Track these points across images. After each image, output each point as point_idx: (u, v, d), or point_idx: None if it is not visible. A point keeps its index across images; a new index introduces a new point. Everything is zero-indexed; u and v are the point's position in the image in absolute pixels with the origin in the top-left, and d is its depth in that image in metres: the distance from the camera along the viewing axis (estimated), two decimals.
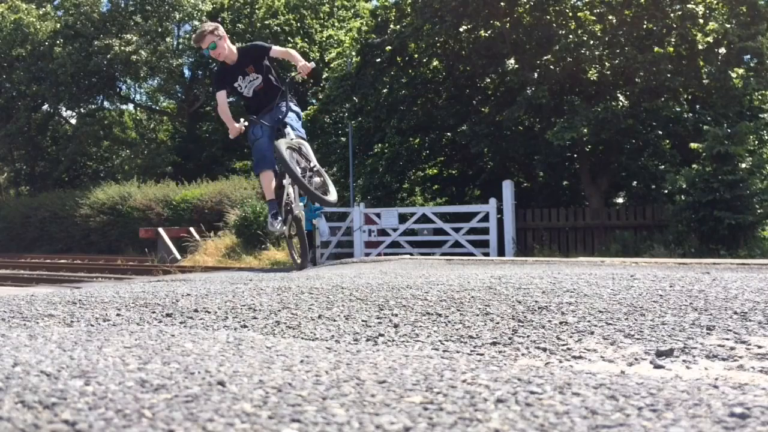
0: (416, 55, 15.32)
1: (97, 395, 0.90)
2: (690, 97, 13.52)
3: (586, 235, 12.74)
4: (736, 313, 1.91)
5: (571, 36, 12.83)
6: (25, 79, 24.72)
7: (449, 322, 1.86)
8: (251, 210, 16.40)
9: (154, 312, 2.09)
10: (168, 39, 25.62)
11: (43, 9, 25.85)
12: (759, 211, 10.51)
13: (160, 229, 17.92)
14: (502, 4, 13.54)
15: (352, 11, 23.69)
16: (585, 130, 11.79)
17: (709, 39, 12.46)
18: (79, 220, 21.29)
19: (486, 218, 12.60)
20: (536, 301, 2.12)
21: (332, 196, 4.78)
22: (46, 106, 27.30)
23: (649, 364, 1.41)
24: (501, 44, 14.02)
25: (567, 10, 13.27)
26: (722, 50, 12.45)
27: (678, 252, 10.27)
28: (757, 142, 11.96)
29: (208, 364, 1.12)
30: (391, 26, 15.24)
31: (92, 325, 1.87)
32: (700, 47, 12.43)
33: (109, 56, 23.32)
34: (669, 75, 12.06)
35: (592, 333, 1.71)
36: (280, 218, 4.75)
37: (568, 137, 11.65)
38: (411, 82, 15.55)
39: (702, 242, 10.43)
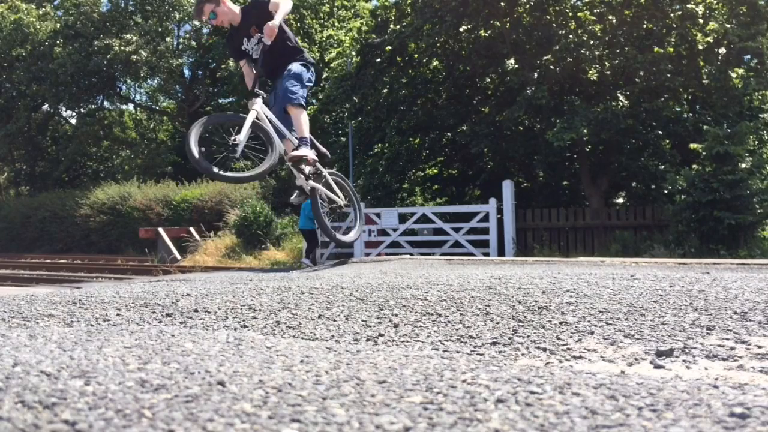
0: (416, 55, 15.33)
1: (97, 395, 0.90)
2: (690, 97, 13.52)
3: (586, 235, 12.74)
4: (736, 313, 1.91)
5: (571, 36, 12.83)
6: (25, 79, 24.71)
7: (449, 322, 1.86)
8: (251, 210, 16.40)
9: (154, 312, 2.09)
10: (168, 39, 25.60)
11: (43, 9, 25.84)
12: (759, 211, 10.51)
13: (160, 229, 17.92)
14: (502, 4, 13.54)
15: (352, 11, 23.68)
16: (585, 131, 11.79)
17: (709, 39, 12.47)
18: (79, 220, 21.29)
19: (486, 218, 12.60)
20: (536, 301, 2.12)
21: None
22: (46, 106, 27.30)
23: (649, 364, 1.41)
24: (501, 44, 14.02)
25: (567, 10, 13.27)
26: (722, 50, 12.45)
27: (678, 252, 10.27)
28: (757, 142, 11.97)
29: (208, 364, 1.12)
30: (391, 26, 15.24)
31: (92, 325, 1.87)
32: (700, 47, 12.43)
33: (109, 56, 23.32)
34: (669, 75, 12.06)
35: (592, 333, 1.71)
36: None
37: (567, 138, 11.65)
38: (411, 82, 15.56)
39: (702, 242, 10.43)
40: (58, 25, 24.72)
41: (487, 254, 12.23)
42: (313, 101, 19.21)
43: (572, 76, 13.10)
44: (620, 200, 15.07)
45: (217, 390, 0.95)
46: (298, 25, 22.94)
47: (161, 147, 27.12)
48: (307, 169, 4.67)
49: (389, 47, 15.00)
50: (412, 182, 17.34)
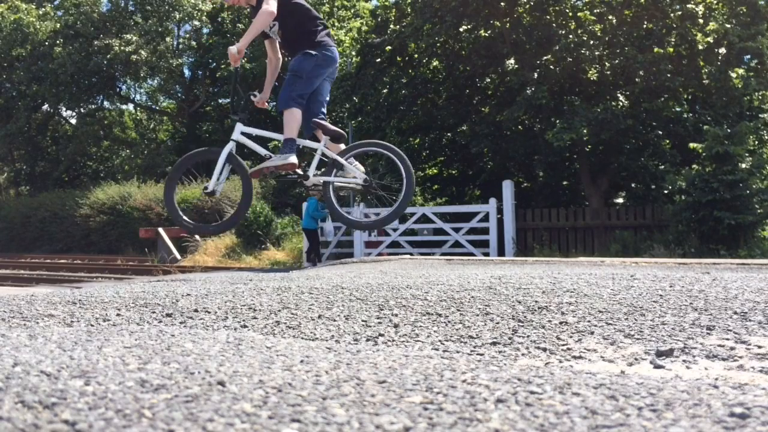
0: (416, 55, 15.33)
1: (97, 395, 0.90)
2: (690, 97, 13.52)
3: (586, 235, 12.74)
4: (736, 313, 1.91)
5: (571, 36, 12.83)
6: (25, 79, 24.71)
7: (449, 322, 1.86)
8: (251, 210, 16.40)
9: (154, 312, 2.09)
10: (168, 39, 25.60)
11: (43, 9, 25.84)
12: (759, 211, 10.52)
13: (160, 229, 17.91)
14: (502, 4, 13.54)
15: (352, 11, 23.69)
16: (585, 131, 11.79)
17: (709, 39, 12.47)
18: (79, 220, 21.29)
19: (486, 218, 12.60)
20: (536, 301, 2.12)
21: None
22: (46, 106, 27.30)
23: (649, 364, 1.41)
24: (501, 44, 14.02)
25: (567, 10, 13.27)
26: (722, 50, 12.45)
27: (678, 252, 10.27)
28: (757, 142, 11.97)
29: (208, 364, 1.12)
30: (391, 26, 15.25)
31: (92, 325, 1.87)
32: (700, 47, 12.43)
33: (109, 56, 23.32)
34: (669, 75, 12.07)
35: (592, 333, 1.71)
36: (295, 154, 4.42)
37: (567, 138, 11.65)
38: (411, 82, 15.56)
39: (702, 242, 10.43)
40: (58, 25, 24.71)
41: (487, 254, 12.23)
42: None
43: (572, 76, 13.10)
44: (620, 200, 15.08)
45: (217, 390, 0.95)
46: None
47: (161, 147, 27.12)
48: (299, 171, 4.49)
49: (389, 47, 15.00)
50: None
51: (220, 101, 26.69)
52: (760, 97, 13.09)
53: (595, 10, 13.08)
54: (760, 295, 2.21)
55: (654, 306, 2.04)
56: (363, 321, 1.89)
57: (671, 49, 12.36)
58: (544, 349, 1.56)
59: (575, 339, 1.65)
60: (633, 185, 14.41)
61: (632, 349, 1.54)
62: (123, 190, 21.37)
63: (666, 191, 12.57)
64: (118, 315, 2.06)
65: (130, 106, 29.79)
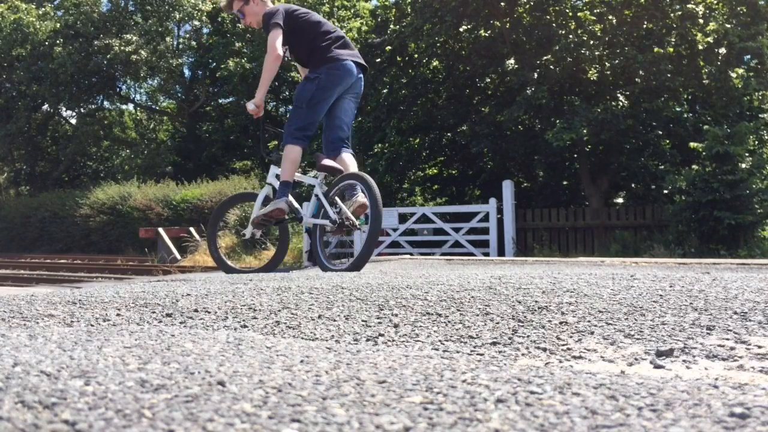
0: (416, 55, 15.33)
1: (97, 395, 0.90)
2: (690, 97, 13.53)
3: (586, 235, 12.74)
4: (736, 313, 1.91)
5: (571, 36, 12.83)
6: (25, 79, 24.71)
7: (449, 322, 1.86)
8: (251, 210, 16.38)
9: (154, 312, 2.09)
10: (168, 39, 25.60)
11: (43, 9, 25.84)
12: (759, 211, 10.52)
13: (160, 229, 17.91)
14: (502, 4, 13.54)
15: (352, 11, 23.68)
16: (585, 131, 11.79)
17: (709, 39, 12.47)
18: (79, 220, 21.29)
19: (486, 218, 12.60)
20: (536, 301, 2.12)
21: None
22: (46, 106, 27.30)
23: (649, 364, 1.41)
24: (501, 44, 14.02)
25: (567, 10, 13.27)
26: (722, 50, 12.45)
27: (678, 252, 10.27)
28: (757, 142, 11.97)
29: (208, 364, 1.12)
30: (391, 26, 15.25)
31: (92, 325, 1.87)
32: (700, 47, 12.44)
33: (109, 56, 23.32)
34: (669, 75, 12.07)
35: (592, 333, 1.71)
36: (288, 199, 4.19)
37: (567, 138, 11.65)
38: (411, 82, 15.56)
39: (702, 242, 10.43)
40: (58, 25, 24.71)
41: (487, 254, 12.23)
42: None
43: (572, 76, 13.10)
44: (620, 200, 15.08)
45: (217, 390, 0.95)
46: None
47: (161, 147, 27.12)
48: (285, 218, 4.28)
49: (389, 47, 15.01)
50: (412, 182, 17.33)
51: (220, 101, 26.71)
52: (760, 97, 13.09)
53: (595, 10, 13.08)
54: (760, 295, 2.21)
55: (654, 306, 2.04)
56: (363, 321, 1.89)
57: (671, 49, 12.36)
58: (544, 349, 1.56)
59: (575, 339, 1.65)
60: (633, 185, 14.41)
61: (632, 349, 1.54)
62: (123, 190, 21.37)
63: (666, 191, 12.56)
64: (118, 315, 2.06)
65: (130, 106, 29.80)
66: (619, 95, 13.28)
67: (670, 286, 2.48)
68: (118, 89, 27.56)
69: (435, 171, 17.30)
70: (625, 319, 1.87)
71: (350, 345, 1.53)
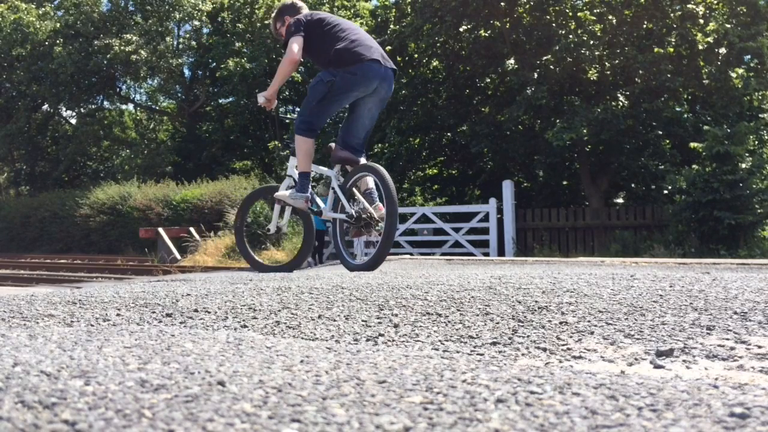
0: (416, 55, 15.33)
1: (97, 395, 0.90)
2: (690, 97, 13.53)
3: (586, 235, 12.74)
4: (736, 313, 1.91)
5: (571, 36, 12.84)
6: (25, 79, 24.72)
7: (449, 322, 1.86)
8: (251, 210, 16.38)
9: (154, 312, 2.09)
10: (168, 39, 25.60)
11: (43, 9, 25.84)
12: (759, 211, 10.52)
13: (160, 229, 17.92)
14: (502, 4, 13.54)
15: (352, 11, 23.68)
16: (585, 131, 11.80)
17: (709, 39, 12.47)
18: (79, 220, 21.29)
19: (486, 218, 12.60)
20: (536, 301, 2.12)
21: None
22: (46, 106, 27.31)
23: (649, 364, 1.41)
24: (501, 44, 14.02)
25: (567, 10, 13.28)
26: (722, 50, 12.46)
27: (678, 252, 10.28)
28: (757, 142, 11.97)
29: (208, 364, 1.12)
30: (391, 26, 15.25)
31: (92, 325, 1.87)
32: (700, 47, 12.44)
33: (109, 56, 23.32)
34: (669, 75, 12.07)
35: (592, 333, 1.71)
36: (309, 193, 4.08)
37: (567, 138, 11.66)
38: (411, 82, 15.56)
39: (702, 242, 10.43)
40: (58, 25, 24.72)
41: (487, 254, 12.24)
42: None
43: (572, 76, 13.10)
44: (620, 200, 15.08)
45: (217, 390, 0.95)
46: None
47: (161, 147, 27.12)
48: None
49: (389, 47, 15.00)
50: (412, 182, 17.34)
51: (220, 101, 26.71)
52: (760, 97, 13.10)
53: (595, 10, 13.09)
54: (760, 295, 2.21)
55: (654, 306, 2.04)
56: (363, 321, 1.89)
57: (671, 49, 12.37)
58: (544, 349, 1.56)
59: (575, 339, 1.65)
60: (633, 185, 14.42)
61: (632, 349, 1.54)
62: (123, 190, 21.37)
63: (666, 191, 12.57)
64: (118, 315, 2.06)
65: (130, 106, 29.80)
66: (619, 95, 13.28)
67: (670, 286, 2.48)
68: (118, 89, 27.57)
69: (435, 171, 17.30)
70: (625, 319, 1.87)
71: (350, 345, 1.53)
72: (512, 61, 13.72)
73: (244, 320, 1.94)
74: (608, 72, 13.04)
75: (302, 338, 1.69)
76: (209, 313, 2.06)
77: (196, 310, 2.09)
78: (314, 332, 1.77)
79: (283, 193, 4.20)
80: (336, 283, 2.68)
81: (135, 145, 28.14)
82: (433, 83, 15.80)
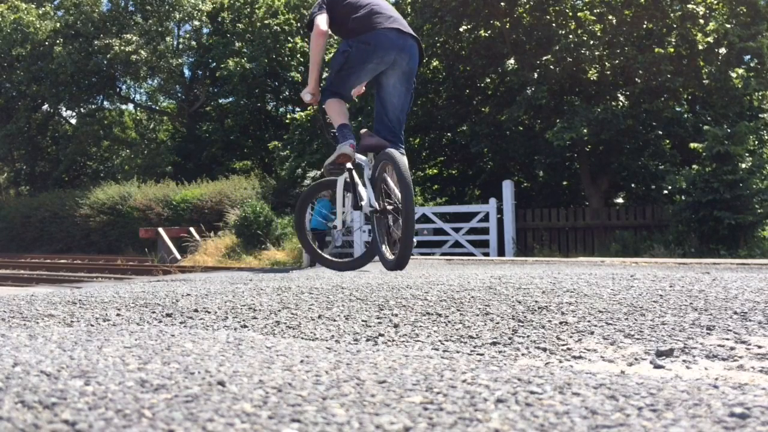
0: None
1: (97, 395, 0.90)
2: (690, 97, 13.53)
3: (586, 235, 12.74)
4: (736, 313, 1.91)
5: (571, 36, 12.84)
6: (25, 79, 24.72)
7: (449, 322, 1.86)
8: (251, 210, 16.40)
9: (154, 312, 2.09)
10: (168, 39, 25.62)
11: (43, 9, 25.84)
12: (759, 211, 10.52)
13: (160, 229, 17.92)
14: (502, 4, 13.54)
15: None
16: (585, 131, 11.79)
17: (710, 39, 12.47)
18: (79, 220, 21.30)
19: (486, 218, 12.60)
20: (536, 301, 2.12)
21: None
22: (46, 106, 27.31)
23: (649, 364, 1.41)
24: (501, 44, 14.02)
25: (567, 10, 13.27)
26: (722, 50, 12.45)
27: (678, 252, 10.27)
28: (757, 142, 11.97)
29: (208, 364, 1.12)
30: None
31: (92, 325, 1.87)
32: (700, 47, 12.44)
33: (109, 56, 23.33)
34: (669, 75, 12.07)
35: (592, 333, 1.71)
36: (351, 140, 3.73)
37: (567, 138, 11.66)
38: None
39: (702, 242, 10.43)
40: (58, 25, 24.72)
41: (487, 254, 12.24)
42: None
43: (572, 76, 13.10)
44: (620, 200, 15.08)
45: (217, 390, 0.95)
46: (299, 24, 22.94)
47: (161, 147, 27.13)
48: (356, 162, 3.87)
49: None
50: (412, 182, 17.32)
51: (220, 101, 26.71)
52: (760, 97, 13.09)
53: (595, 10, 13.09)
54: (760, 295, 2.21)
55: (654, 306, 2.03)
56: (363, 321, 1.89)
57: (671, 49, 12.36)
58: (544, 349, 1.56)
59: (575, 339, 1.65)
60: (633, 185, 14.41)
61: (632, 349, 1.54)
62: (123, 190, 21.39)
63: (666, 191, 12.57)
64: (118, 315, 2.06)
65: (130, 106, 29.80)
66: (619, 95, 13.28)
67: (670, 286, 2.48)
68: (118, 89, 27.57)
69: (435, 171, 17.30)
70: (625, 319, 1.87)
71: (350, 345, 1.53)
72: (512, 61, 13.72)
73: (244, 320, 1.94)
74: (608, 72, 13.04)
75: (302, 338, 1.69)
76: (209, 313, 2.06)
77: (196, 310, 2.09)
78: (314, 332, 1.77)
79: (328, 159, 3.89)
80: (336, 283, 2.68)
81: (135, 145, 28.15)
82: (433, 83, 15.79)
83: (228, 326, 1.85)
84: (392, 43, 3.69)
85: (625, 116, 12.15)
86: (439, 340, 1.66)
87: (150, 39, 23.91)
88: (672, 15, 12.64)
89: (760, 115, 12.93)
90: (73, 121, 28.31)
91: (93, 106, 27.09)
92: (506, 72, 13.90)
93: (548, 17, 13.42)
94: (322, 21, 3.81)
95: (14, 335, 1.46)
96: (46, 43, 24.64)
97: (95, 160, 29.38)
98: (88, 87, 25.44)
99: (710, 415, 0.86)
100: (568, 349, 1.56)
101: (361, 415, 0.85)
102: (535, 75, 13.17)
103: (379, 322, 1.87)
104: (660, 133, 12.91)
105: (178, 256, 16.88)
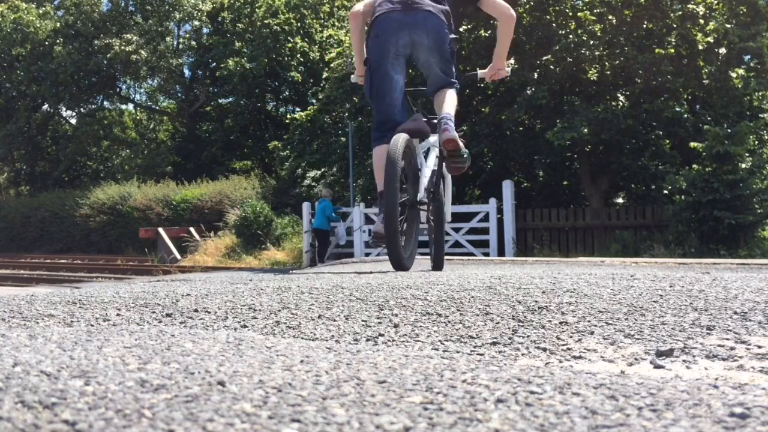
0: None
1: (97, 395, 0.90)
2: (690, 97, 13.53)
3: (586, 235, 12.74)
4: (736, 313, 1.91)
5: (571, 36, 12.84)
6: (25, 79, 24.74)
7: (449, 322, 1.86)
8: (251, 210, 16.40)
9: (154, 312, 2.09)
10: (168, 39, 25.62)
11: (43, 8, 25.86)
12: (759, 211, 10.52)
13: (160, 229, 17.93)
14: None
15: None
16: (585, 131, 11.79)
17: (710, 39, 12.47)
18: (79, 220, 21.31)
19: (486, 218, 12.60)
20: (536, 301, 2.12)
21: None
22: (46, 106, 27.32)
23: (649, 364, 1.41)
24: None
25: (567, 10, 13.27)
26: (722, 50, 12.46)
27: (678, 252, 10.27)
28: (757, 142, 11.97)
29: (208, 364, 1.12)
30: None
31: (92, 325, 1.87)
32: (700, 47, 12.44)
33: (109, 56, 23.35)
34: (669, 75, 12.07)
35: (592, 333, 1.71)
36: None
37: (568, 137, 11.66)
38: (411, 82, 15.56)
39: (702, 242, 10.43)
40: (58, 25, 24.74)
41: (487, 254, 12.24)
42: (313, 101, 19.16)
43: (572, 76, 13.10)
44: (620, 200, 15.08)
45: (217, 390, 0.95)
46: (299, 24, 22.95)
47: (161, 147, 27.14)
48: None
49: None
50: None
51: (220, 101, 26.71)
52: (760, 97, 13.09)
53: (595, 10, 13.08)
54: (760, 295, 2.21)
55: (654, 306, 2.03)
56: (363, 321, 1.89)
57: (671, 50, 12.36)
58: (544, 349, 1.56)
59: (575, 339, 1.65)
60: (633, 185, 14.41)
61: (632, 349, 1.54)
62: (123, 190, 21.40)
63: (666, 191, 12.57)
64: (118, 315, 2.06)
65: (130, 106, 29.81)
66: (619, 95, 13.28)
67: (670, 286, 2.48)
68: (118, 89, 27.58)
69: None
70: (625, 319, 1.87)
71: (350, 345, 1.53)
72: (512, 61, 13.72)
73: (244, 320, 1.94)
74: (608, 72, 13.04)
75: (302, 338, 1.69)
76: (209, 313, 2.05)
77: (196, 310, 2.09)
78: (314, 332, 1.77)
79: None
80: (336, 283, 2.67)
81: (135, 145, 28.17)
82: None
83: (228, 326, 1.85)
84: (399, 24, 3.28)
85: (625, 116, 12.16)
86: (439, 340, 1.66)
87: (150, 39, 23.92)
88: (672, 15, 12.64)
89: (760, 115, 12.93)
90: (73, 121, 28.33)
91: (93, 106, 27.11)
92: None
93: (548, 17, 13.42)
94: (359, 4, 3.50)
95: (14, 335, 1.46)
96: (46, 43, 24.66)
97: (95, 160, 29.39)
98: (88, 87, 25.46)
99: (710, 415, 0.86)
100: (568, 349, 1.56)
101: (361, 415, 0.85)
102: (535, 75, 13.17)
103: (379, 322, 1.87)
104: (660, 133, 12.91)
105: (178, 256, 16.88)
